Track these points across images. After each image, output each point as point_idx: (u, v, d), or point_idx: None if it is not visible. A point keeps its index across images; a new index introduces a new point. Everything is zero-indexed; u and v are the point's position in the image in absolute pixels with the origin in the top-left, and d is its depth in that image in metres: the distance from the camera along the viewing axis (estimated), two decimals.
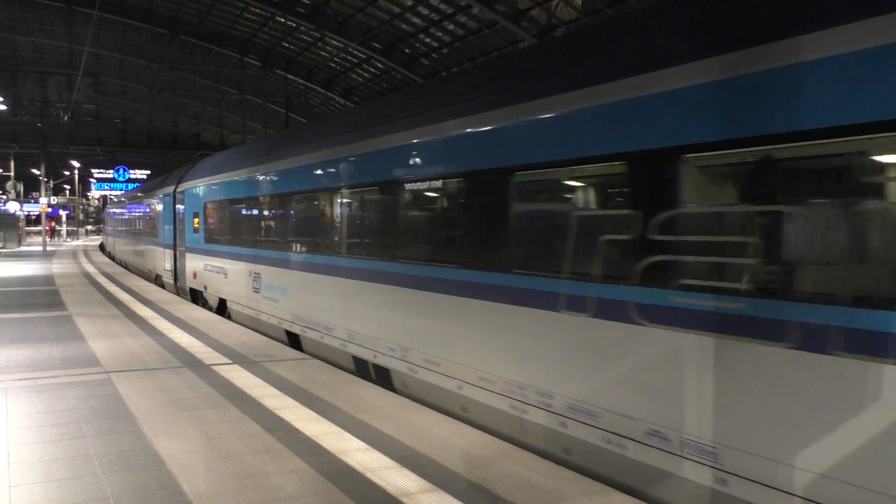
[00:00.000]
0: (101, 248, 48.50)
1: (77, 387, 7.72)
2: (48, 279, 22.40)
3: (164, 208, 21.09)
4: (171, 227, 19.72)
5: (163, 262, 21.32)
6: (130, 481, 4.90)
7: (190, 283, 17.54)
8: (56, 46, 50.13)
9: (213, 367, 8.85)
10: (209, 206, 15.74)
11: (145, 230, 25.82)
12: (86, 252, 42.15)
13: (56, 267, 28.39)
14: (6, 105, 40.83)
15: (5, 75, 49.94)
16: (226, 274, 14.38)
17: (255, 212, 12.83)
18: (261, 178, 12.27)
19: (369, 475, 5.03)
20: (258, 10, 40.21)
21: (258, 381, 8.07)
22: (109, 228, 45.15)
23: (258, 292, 12.33)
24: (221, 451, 5.58)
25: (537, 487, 4.79)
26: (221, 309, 15.11)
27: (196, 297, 17.46)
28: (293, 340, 11.20)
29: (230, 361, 9.19)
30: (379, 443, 5.77)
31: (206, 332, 11.56)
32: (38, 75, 51.50)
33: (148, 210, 25.10)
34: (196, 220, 16.81)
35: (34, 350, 9.89)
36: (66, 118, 45.51)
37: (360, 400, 7.18)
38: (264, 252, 12.07)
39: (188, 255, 17.62)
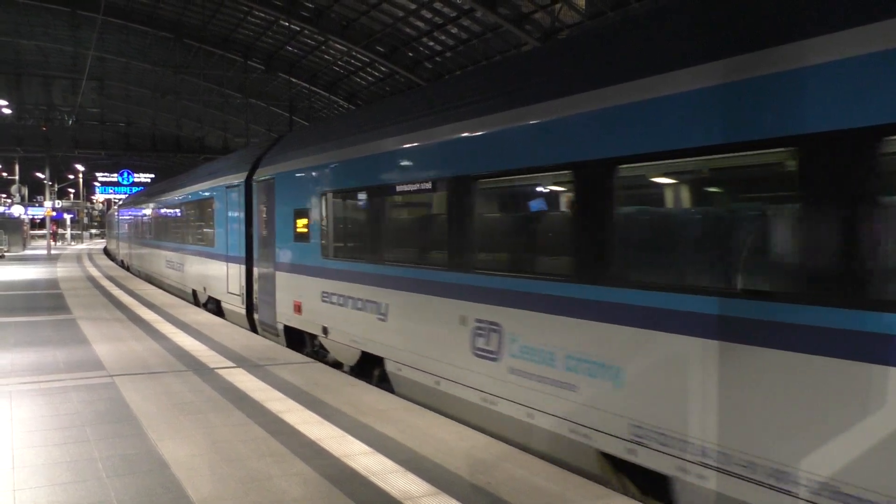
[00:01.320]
0: (106, 251, 48.54)
1: (81, 390, 7.73)
2: (52, 283, 22.45)
3: (224, 206, 15.06)
4: (241, 231, 13.71)
5: (221, 281, 15.12)
6: (135, 485, 4.91)
7: (287, 317, 11.40)
8: (60, 50, 50.29)
9: (216, 370, 8.86)
10: (340, 198, 9.70)
11: (183, 235, 19.66)
12: (90, 256, 42.24)
13: (60, 270, 28.46)
14: (11, 109, 40.99)
15: (10, 79, 50.19)
16: (384, 314, 8.34)
17: (492, 204, 7.09)
18: (565, 127, 5.74)
19: (373, 478, 5.03)
20: (262, 14, 40.31)
21: (262, 384, 8.08)
22: (121, 232, 37.70)
23: (493, 359, 6.41)
24: (225, 454, 5.58)
25: (541, 491, 4.79)
26: (365, 369, 9.07)
27: (298, 340, 11.36)
28: (627, 475, 5.38)
29: (234, 365, 9.20)
30: (382, 446, 5.77)
31: (210, 336, 11.57)
32: (42, 79, 51.81)
33: (189, 209, 19.04)
34: (302, 221, 10.70)
35: (39, 353, 9.91)
36: (70, 122, 45.72)
37: (363, 403, 7.18)
38: (519, 284, 6.14)
39: (283, 276, 11.55)
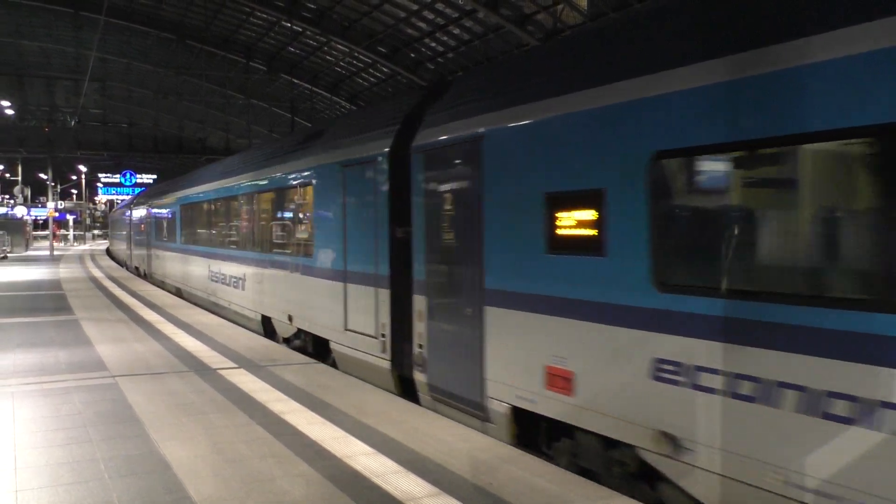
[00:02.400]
0: (108, 252, 48.58)
1: (84, 391, 7.74)
2: (55, 283, 22.48)
3: (337, 194, 9.72)
4: (378, 234, 8.61)
5: (331, 311, 9.91)
6: (137, 486, 4.91)
7: (523, 394, 6.07)
8: (62, 51, 50.40)
9: (218, 371, 8.87)
10: (732, 166, 4.39)
11: (248, 239, 13.89)
12: (92, 256, 42.29)
13: (63, 271, 28.50)
14: (13, 110, 41.08)
15: (12, 80, 50.29)
16: None
17: None
18: None
19: (375, 479, 5.04)
20: (263, 15, 40.34)
21: (264, 385, 8.08)
22: (134, 233, 30.97)
23: None
24: (227, 455, 5.59)
25: (542, 492, 4.79)
26: None
27: (553, 434, 6.05)
28: None
29: (236, 366, 9.21)
30: (385, 447, 5.77)
31: (212, 337, 11.58)
32: (44, 80, 51.89)
33: (259, 202, 13.27)
34: (575, 215, 5.50)
35: (41, 354, 9.93)
36: (72, 123, 45.81)
37: (365, 404, 7.19)
38: None
39: (510, 317, 6.24)
